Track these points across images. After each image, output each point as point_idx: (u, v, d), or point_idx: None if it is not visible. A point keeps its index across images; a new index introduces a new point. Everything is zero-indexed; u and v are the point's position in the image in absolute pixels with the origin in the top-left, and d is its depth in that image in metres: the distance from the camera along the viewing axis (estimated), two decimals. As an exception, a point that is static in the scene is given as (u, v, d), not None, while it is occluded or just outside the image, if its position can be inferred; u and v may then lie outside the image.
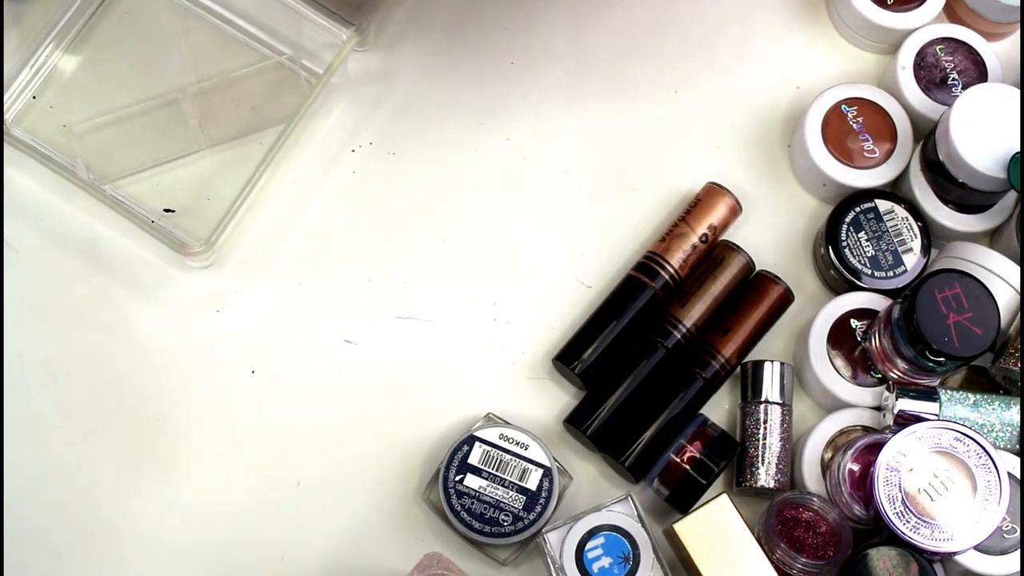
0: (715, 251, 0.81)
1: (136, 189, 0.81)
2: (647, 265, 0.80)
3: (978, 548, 0.74)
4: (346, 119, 0.84)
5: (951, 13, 0.87)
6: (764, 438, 0.78)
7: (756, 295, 0.80)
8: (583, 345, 0.79)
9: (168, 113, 0.82)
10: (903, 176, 0.82)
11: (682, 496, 0.76)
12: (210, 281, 0.81)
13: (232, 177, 0.80)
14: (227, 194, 0.79)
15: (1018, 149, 0.76)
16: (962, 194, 0.80)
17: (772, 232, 0.84)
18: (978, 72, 0.84)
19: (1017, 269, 0.78)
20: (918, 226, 0.81)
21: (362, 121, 0.84)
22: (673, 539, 0.75)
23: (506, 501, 0.75)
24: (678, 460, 0.77)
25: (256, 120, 0.82)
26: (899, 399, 0.76)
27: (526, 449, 0.76)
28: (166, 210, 0.81)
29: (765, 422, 0.78)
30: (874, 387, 0.79)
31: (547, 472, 0.76)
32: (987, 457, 0.74)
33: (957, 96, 0.80)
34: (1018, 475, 0.75)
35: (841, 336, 0.79)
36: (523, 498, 0.75)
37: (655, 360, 0.79)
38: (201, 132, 0.82)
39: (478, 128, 0.84)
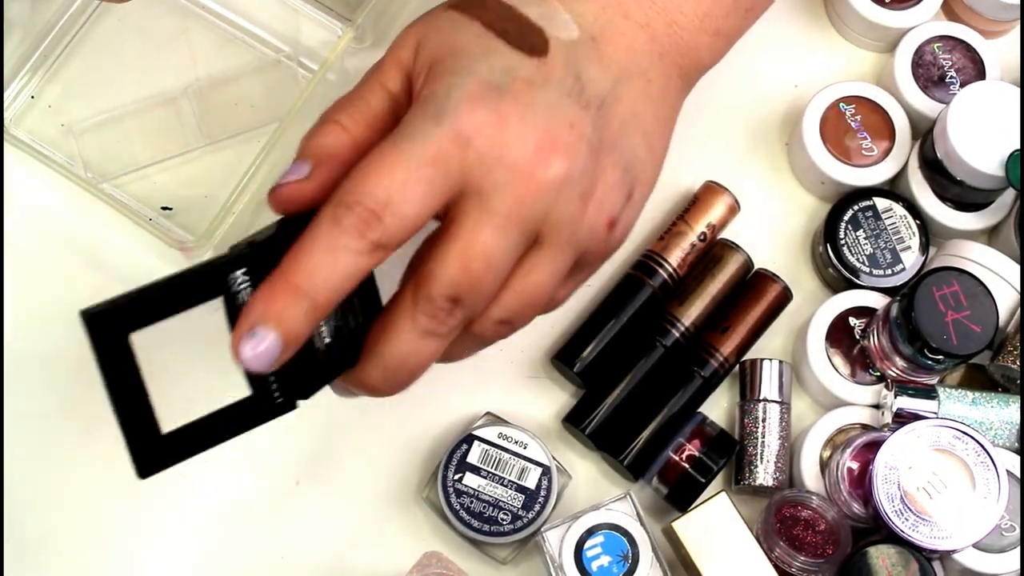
0: (713, 250, 0.81)
1: (135, 187, 0.81)
2: (646, 264, 0.80)
3: (977, 546, 0.74)
4: (345, 118, 0.84)
5: (949, 11, 0.87)
6: (763, 436, 0.78)
7: (754, 293, 0.80)
8: (582, 344, 0.79)
9: (167, 112, 0.82)
10: (901, 174, 0.82)
11: (681, 494, 0.77)
12: (210, 283, 0.81)
13: (230, 175, 0.80)
14: (225, 192, 0.79)
15: (1017, 147, 0.77)
16: (960, 192, 0.80)
17: (770, 230, 0.84)
18: (976, 70, 0.84)
19: (1016, 267, 0.78)
20: (916, 224, 0.81)
21: (361, 120, 0.84)
22: (672, 537, 0.75)
23: (505, 500, 0.76)
24: (677, 459, 0.77)
25: (255, 118, 0.82)
26: (897, 397, 0.76)
27: (525, 448, 0.76)
28: (164, 208, 0.81)
29: (764, 420, 0.78)
30: (872, 385, 0.79)
31: (546, 471, 0.76)
32: (986, 455, 0.74)
33: (955, 94, 0.80)
34: (1017, 473, 0.75)
35: (839, 334, 0.80)
36: (522, 497, 0.76)
37: (654, 359, 0.79)
38: (200, 130, 0.82)
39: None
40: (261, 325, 0.56)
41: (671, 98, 0.67)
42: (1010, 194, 0.81)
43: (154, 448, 0.57)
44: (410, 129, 0.57)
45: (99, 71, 0.83)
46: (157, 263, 0.81)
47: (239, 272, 0.57)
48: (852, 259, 0.80)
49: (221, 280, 0.57)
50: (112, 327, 0.56)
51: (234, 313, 0.57)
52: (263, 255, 0.57)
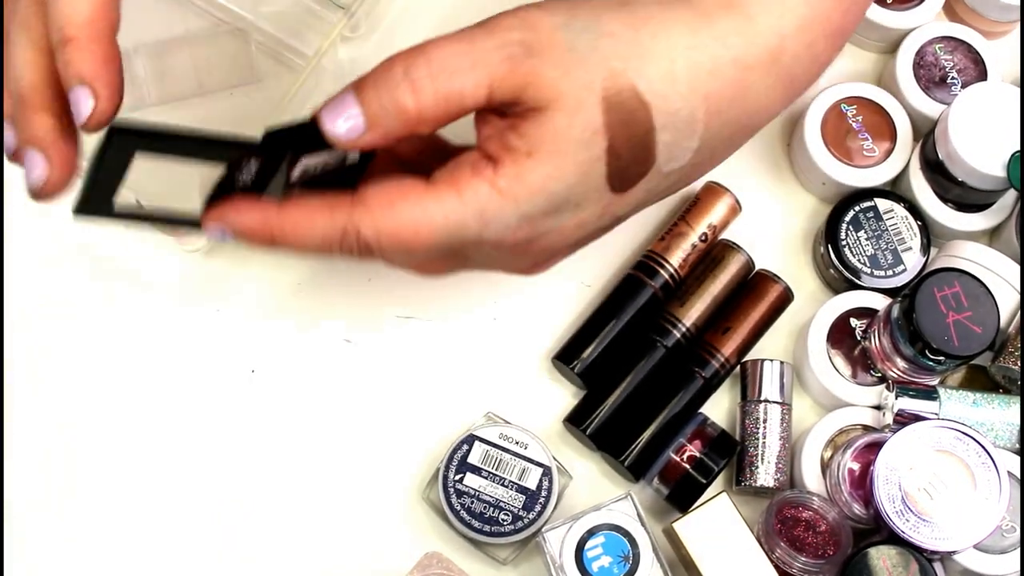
0: (714, 250, 0.81)
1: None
2: (647, 264, 0.80)
3: (978, 547, 0.74)
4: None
5: (951, 12, 0.87)
6: (764, 437, 0.78)
7: (755, 294, 0.80)
8: (583, 344, 0.79)
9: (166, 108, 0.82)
10: (903, 175, 0.82)
11: (682, 495, 0.77)
12: (209, 280, 0.81)
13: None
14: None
15: (1018, 148, 0.77)
16: (961, 193, 0.80)
17: (771, 231, 0.84)
18: (977, 71, 0.84)
19: (1017, 268, 0.78)
20: (918, 225, 0.81)
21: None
22: (673, 538, 0.75)
23: (506, 500, 0.75)
24: (678, 459, 0.77)
25: (249, 109, 0.82)
26: (899, 398, 0.76)
27: (525, 448, 0.76)
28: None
29: (765, 421, 0.78)
30: (874, 386, 0.79)
31: (546, 471, 0.76)
32: (987, 456, 0.74)
33: (956, 95, 0.80)
34: (1018, 474, 0.75)
35: (840, 335, 0.79)
36: (523, 497, 0.76)
37: (655, 359, 0.79)
38: (198, 127, 0.81)
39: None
40: (233, 238, 0.62)
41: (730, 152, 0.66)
42: (1011, 195, 0.81)
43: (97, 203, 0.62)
44: (454, 212, 0.59)
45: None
46: (158, 263, 0.81)
47: (253, 159, 0.62)
48: (853, 260, 0.80)
49: (236, 156, 0.61)
50: (128, 140, 0.60)
51: (227, 185, 0.62)
52: (281, 145, 0.62)
